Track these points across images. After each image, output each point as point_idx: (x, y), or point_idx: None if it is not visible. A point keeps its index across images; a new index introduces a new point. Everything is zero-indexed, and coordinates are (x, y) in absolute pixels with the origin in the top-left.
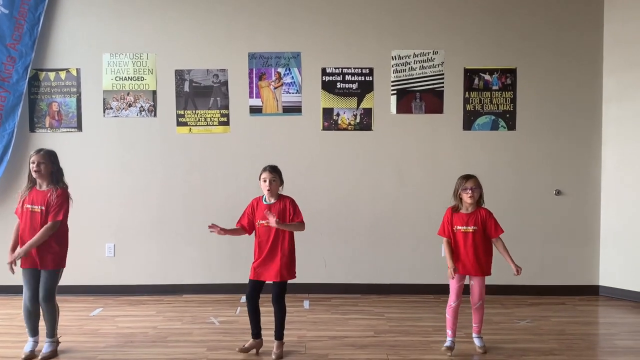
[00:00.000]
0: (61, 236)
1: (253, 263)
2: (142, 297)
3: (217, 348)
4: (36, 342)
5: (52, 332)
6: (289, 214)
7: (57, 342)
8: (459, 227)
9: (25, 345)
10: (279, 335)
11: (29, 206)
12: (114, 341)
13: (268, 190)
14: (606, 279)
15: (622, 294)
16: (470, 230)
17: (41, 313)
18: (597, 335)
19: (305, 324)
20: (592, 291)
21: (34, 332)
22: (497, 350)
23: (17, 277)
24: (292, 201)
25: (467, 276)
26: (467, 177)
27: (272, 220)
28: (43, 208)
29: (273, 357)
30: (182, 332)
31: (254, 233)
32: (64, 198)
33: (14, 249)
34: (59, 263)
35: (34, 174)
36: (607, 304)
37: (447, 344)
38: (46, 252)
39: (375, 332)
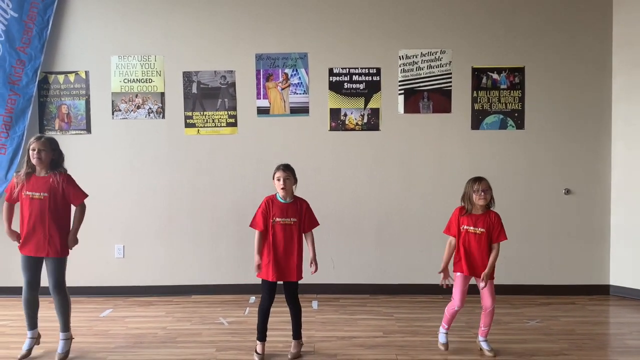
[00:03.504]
0: (68, 224)
1: (264, 262)
2: (152, 298)
3: (226, 348)
4: (33, 339)
5: (65, 326)
6: (305, 218)
7: (71, 339)
8: (466, 227)
9: (24, 343)
10: (298, 334)
11: (29, 193)
12: (123, 342)
13: (283, 188)
14: (617, 278)
15: (633, 294)
16: (479, 232)
17: (54, 305)
18: (608, 335)
19: (314, 325)
20: (602, 291)
21: (33, 324)
22: (507, 351)
23: (19, 278)
24: (309, 206)
25: (472, 277)
26: (478, 180)
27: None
28: (46, 195)
29: (289, 356)
30: (192, 333)
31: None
32: (73, 180)
33: (10, 229)
34: (65, 251)
35: (34, 161)
36: (617, 303)
37: (443, 339)
38: (55, 240)
39: (384, 333)
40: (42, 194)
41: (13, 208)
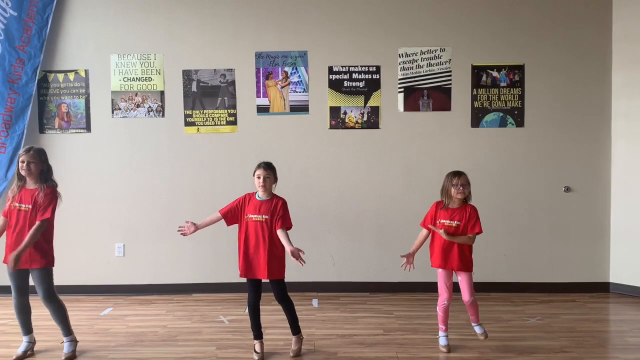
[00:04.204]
0: (49, 234)
1: (239, 258)
2: (152, 296)
3: (227, 347)
4: (30, 342)
5: (67, 330)
6: (278, 215)
7: (76, 342)
8: (442, 221)
9: (20, 346)
10: (296, 330)
11: (17, 204)
12: (124, 340)
13: (262, 186)
14: (617, 275)
15: (633, 291)
16: (454, 225)
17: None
18: (608, 332)
19: (314, 323)
20: (602, 288)
21: (27, 330)
22: (507, 348)
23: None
24: (284, 204)
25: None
26: (457, 174)
27: (300, 254)
28: (30, 207)
29: (291, 354)
30: (192, 331)
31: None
32: (53, 196)
33: None
34: (49, 262)
35: (23, 172)
36: (617, 300)
37: (443, 342)
38: (36, 251)
39: (385, 330)
40: (27, 205)
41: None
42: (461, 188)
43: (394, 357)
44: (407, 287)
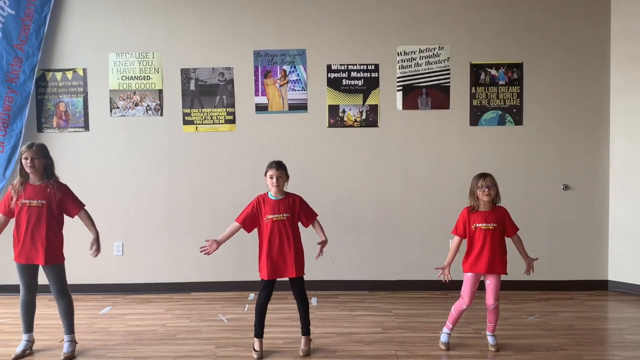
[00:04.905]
0: (61, 230)
1: (262, 261)
2: (151, 295)
3: (226, 345)
4: (29, 341)
5: (70, 328)
6: (301, 211)
7: (76, 343)
8: (479, 225)
9: (19, 345)
10: (307, 330)
11: (27, 201)
12: (123, 339)
13: (275, 186)
14: (615, 273)
15: (631, 289)
16: (491, 227)
17: (57, 309)
18: (607, 330)
19: (313, 321)
20: (601, 286)
21: (28, 328)
22: (506, 346)
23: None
24: (302, 200)
25: (482, 275)
26: (483, 176)
27: (323, 249)
28: (44, 202)
29: (301, 353)
30: (191, 330)
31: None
32: (69, 190)
33: None
34: (63, 257)
35: (28, 170)
36: (616, 298)
37: (445, 339)
38: (53, 248)
39: (383, 329)
40: (39, 201)
41: (7, 223)
42: (486, 190)
43: (393, 355)
44: (406, 285)
